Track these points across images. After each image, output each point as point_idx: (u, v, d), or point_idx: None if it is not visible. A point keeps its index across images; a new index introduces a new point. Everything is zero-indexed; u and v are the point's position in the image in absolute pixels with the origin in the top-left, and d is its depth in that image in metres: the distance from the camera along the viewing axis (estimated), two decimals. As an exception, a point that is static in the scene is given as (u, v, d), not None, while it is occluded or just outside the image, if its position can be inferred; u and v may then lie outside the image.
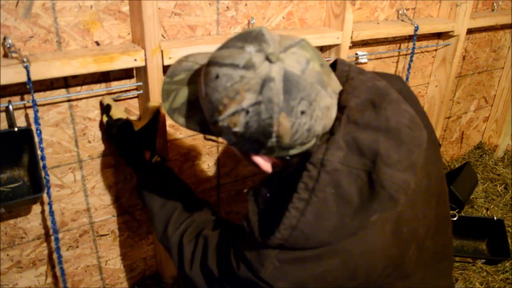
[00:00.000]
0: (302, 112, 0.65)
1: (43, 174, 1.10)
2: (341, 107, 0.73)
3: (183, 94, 0.77)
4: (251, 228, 0.77)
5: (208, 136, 0.83)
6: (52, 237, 1.31)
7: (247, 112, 0.65)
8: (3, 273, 1.27)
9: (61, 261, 1.22)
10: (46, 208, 1.26)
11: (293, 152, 0.71)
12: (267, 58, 0.64)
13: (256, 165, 0.79)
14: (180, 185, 1.09)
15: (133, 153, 1.11)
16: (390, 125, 0.72)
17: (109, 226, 1.42)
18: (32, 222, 1.26)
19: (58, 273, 1.38)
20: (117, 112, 1.15)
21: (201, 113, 0.74)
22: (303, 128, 0.67)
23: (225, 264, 0.84)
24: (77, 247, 1.38)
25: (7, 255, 1.26)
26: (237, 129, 0.68)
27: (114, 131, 1.12)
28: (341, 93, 0.75)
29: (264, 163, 0.77)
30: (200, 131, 0.77)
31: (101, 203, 1.36)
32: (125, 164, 1.13)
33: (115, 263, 1.50)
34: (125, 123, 1.11)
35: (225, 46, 0.70)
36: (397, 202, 0.71)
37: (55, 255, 1.34)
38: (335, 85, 0.72)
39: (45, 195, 1.23)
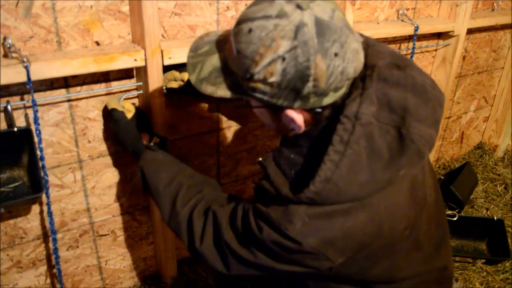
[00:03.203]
0: (336, 54, 0.67)
1: (42, 174, 1.10)
2: (370, 66, 0.77)
3: (209, 63, 0.78)
4: (275, 187, 0.77)
5: (239, 103, 0.83)
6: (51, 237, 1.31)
7: (284, 58, 0.67)
8: (3, 273, 1.27)
9: (58, 262, 1.22)
10: (45, 208, 1.26)
11: (326, 101, 0.72)
12: (298, 6, 0.67)
13: (287, 124, 0.78)
14: (182, 164, 1.07)
15: (130, 139, 1.10)
16: (416, 83, 0.76)
17: (109, 226, 1.42)
18: (32, 222, 1.26)
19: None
20: (112, 103, 1.15)
21: (231, 77, 0.75)
22: (337, 71, 0.68)
23: (243, 232, 0.83)
24: (77, 247, 1.38)
25: (7, 255, 1.26)
26: (273, 78, 0.69)
27: (109, 121, 1.13)
28: (366, 55, 0.79)
29: (298, 117, 0.76)
30: (231, 95, 0.77)
31: (101, 203, 1.37)
32: (126, 152, 1.11)
33: (115, 263, 1.50)
34: (117, 113, 1.11)
35: (253, 4, 0.72)
36: (423, 157, 0.74)
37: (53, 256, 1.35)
38: (358, 35, 0.75)
39: (44, 196, 1.24)
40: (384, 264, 0.85)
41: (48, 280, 1.37)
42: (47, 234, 1.30)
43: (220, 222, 0.87)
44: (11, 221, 1.22)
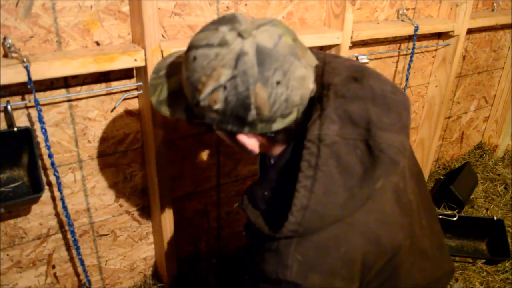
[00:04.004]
0: (278, 83, 0.67)
1: (51, 171, 1.10)
2: (326, 85, 0.76)
3: (168, 85, 0.80)
4: (258, 229, 0.76)
5: (195, 121, 0.83)
6: (53, 237, 1.31)
7: (225, 87, 0.67)
8: (3, 273, 1.27)
9: (79, 253, 1.23)
10: (47, 208, 1.26)
11: (276, 126, 0.72)
12: (239, 35, 0.67)
13: (243, 147, 0.79)
14: None
15: None
16: (375, 93, 0.76)
17: (109, 226, 1.42)
18: (32, 222, 1.26)
19: (58, 273, 1.38)
20: None
21: (185, 100, 0.76)
22: (280, 99, 0.68)
23: None
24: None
25: (7, 255, 1.26)
26: (217, 106, 0.69)
27: None
28: (322, 74, 0.79)
29: (250, 142, 0.76)
30: (186, 118, 0.78)
31: (101, 203, 1.37)
32: None
33: (115, 263, 1.50)
34: None
35: (201, 31, 0.73)
36: (397, 165, 0.73)
37: (55, 255, 1.35)
38: (310, 59, 0.74)
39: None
40: (402, 284, 0.84)
41: (48, 280, 1.37)
42: (47, 234, 1.30)
43: None
44: (11, 221, 1.22)
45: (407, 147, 0.75)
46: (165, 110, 0.79)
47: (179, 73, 0.78)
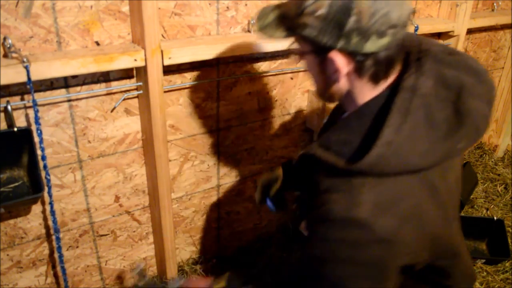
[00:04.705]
0: None
1: (43, 174, 1.10)
2: (424, 51, 0.82)
3: (272, 15, 0.85)
4: (331, 164, 0.76)
5: (292, 48, 0.87)
6: (53, 237, 1.31)
7: None
8: (3, 273, 1.27)
9: (62, 260, 1.22)
10: (47, 208, 1.26)
11: (368, 46, 0.73)
12: None
13: (330, 77, 0.80)
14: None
15: None
16: (470, 66, 0.81)
17: (109, 226, 1.42)
18: (32, 222, 1.26)
19: (59, 273, 1.38)
20: None
21: (286, 22, 0.81)
22: (380, 12, 0.71)
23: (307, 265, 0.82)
24: (77, 247, 1.38)
25: (7, 255, 1.26)
26: (321, 11, 0.73)
27: None
28: (420, 44, 0.84)
29: (340, 61, 0.76)
30: (286, 35, 0.82)
31: (101, 203, 1.37)
32: None
33: (115, 263, 1.50)
34: None
35: None
36: (480, 133, 0.77)
37: (55, 255, 1.35)
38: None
39: (46, 195, 1.24)
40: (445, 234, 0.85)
41: (48, 280, 1.37)
42: (47, 234, 1.30)
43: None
44: (11, 221, 1.22)
45: (490, 120, 0.79)
46: (267, 32, 0.84)
47: (283, 6, 0.84)
